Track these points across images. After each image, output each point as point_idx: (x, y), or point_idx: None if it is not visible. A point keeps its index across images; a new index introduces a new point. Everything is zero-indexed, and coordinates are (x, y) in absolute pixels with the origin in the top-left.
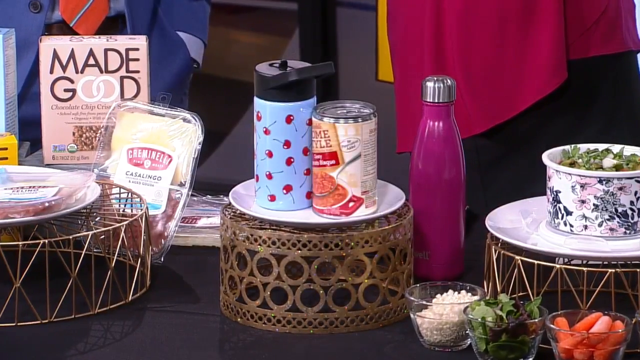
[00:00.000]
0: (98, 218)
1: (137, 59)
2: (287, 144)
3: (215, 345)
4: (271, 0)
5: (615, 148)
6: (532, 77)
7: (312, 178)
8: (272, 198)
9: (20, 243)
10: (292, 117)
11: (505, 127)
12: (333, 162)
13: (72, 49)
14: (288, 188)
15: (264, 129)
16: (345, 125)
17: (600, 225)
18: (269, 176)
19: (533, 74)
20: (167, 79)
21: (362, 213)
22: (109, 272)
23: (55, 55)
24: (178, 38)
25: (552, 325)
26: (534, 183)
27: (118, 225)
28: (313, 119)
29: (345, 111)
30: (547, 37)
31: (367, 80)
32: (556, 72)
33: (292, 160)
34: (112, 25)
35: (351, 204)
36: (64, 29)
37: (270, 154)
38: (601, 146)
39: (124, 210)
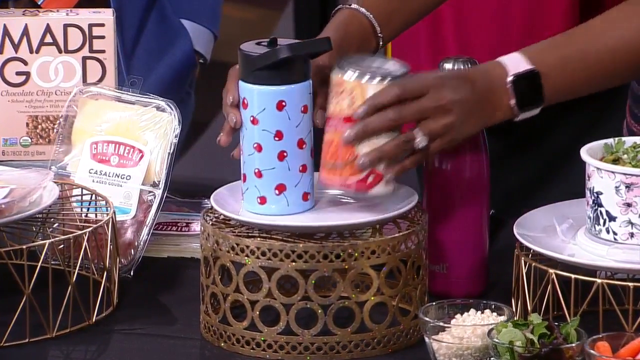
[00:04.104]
0: (56, 224)
1: (103, 37)
2: (278, 135)
3: None
4: None
5: None
6: None
7: (309, 177)
8: (263, 200)
9: None
10: (283, 103)
11: (513, 122)
12: None
13: (26, 25)
14: (281, 188)
15: (251, 118)
16: (376, 86)
17: None
18: (259, 174)
19: None
20: (162, 74)
21: (381, 191)
22: (69, 288)
23: (6, 32)
24: (181, 26)
25: (592, 351)
26: (548, 185)
27: (80, 232)
28: (336, 75)
29: (376, 69)
30: (557, 23)
31: None
32: None
33: (285, 154)
34: (96, 6)
35: (370, 178)
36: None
37: (259, 148)
38: None
39: (86, 215)
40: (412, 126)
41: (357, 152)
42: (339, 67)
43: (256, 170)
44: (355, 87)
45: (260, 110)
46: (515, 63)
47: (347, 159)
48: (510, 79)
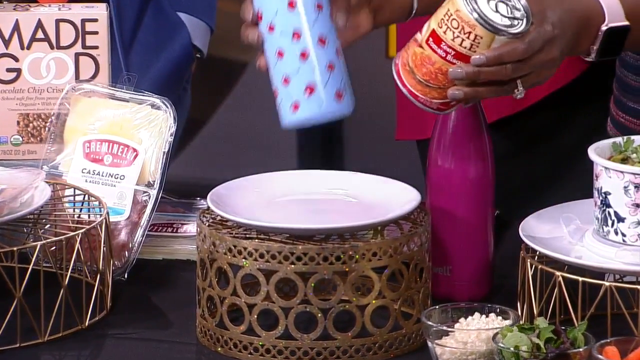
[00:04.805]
0: (48, 226)
1: (96, 32)
2: (296, 35)
3: None
4: None
5: None
6: None
7: (339, 75)
8: (296, 107)
9: None
10: (294, 2)
11: (516, 120)
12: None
13: (17, 20)
14: (310, 89)
15: (268, 27)
16: (503, 40)
17: None
18: (286, 81)
19: None
20: (161, 69)
21: (453, 110)
22: (62, 291)
23: None
24: (178, 20)
25: (600, 356)
26: (554, 185)
27: (72, 234)
28: (465, 11)
29: (503, 14)
30: None
31: (376, 57)
32: (576, 60)
33: (306, 53)
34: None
35: (453, 103)
36: None
37: (280, 54)
38: None
39: (79, 216)
40: None
41: (456, 83)
42: (470, 4)
43: (283, 78)
44: (485, 35)
45: (274, 15)
46: (613, 13)
47: (442, 84)
48: (604, 28)
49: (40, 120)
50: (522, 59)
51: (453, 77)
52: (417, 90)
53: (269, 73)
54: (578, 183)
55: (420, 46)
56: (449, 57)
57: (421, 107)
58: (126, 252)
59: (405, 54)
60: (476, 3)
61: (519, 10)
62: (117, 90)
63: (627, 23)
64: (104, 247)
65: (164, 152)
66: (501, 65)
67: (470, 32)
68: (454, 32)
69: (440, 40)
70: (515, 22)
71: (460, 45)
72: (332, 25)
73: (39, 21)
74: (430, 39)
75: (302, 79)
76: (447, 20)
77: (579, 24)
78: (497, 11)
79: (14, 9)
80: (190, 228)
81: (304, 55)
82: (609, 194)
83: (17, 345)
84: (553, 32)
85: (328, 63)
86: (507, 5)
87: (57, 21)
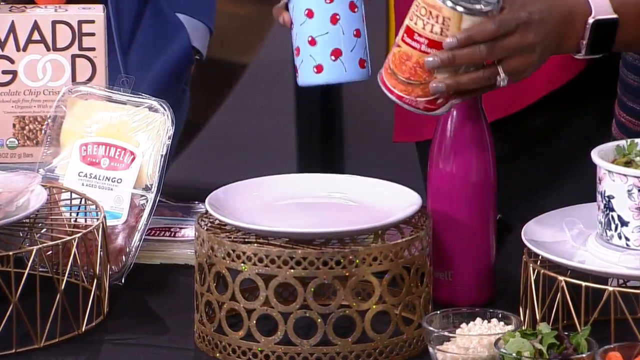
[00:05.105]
0: (44, 230)
1: (93, 34)
2: None
3: None
4: None
5: None
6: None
7: (363, 43)
8: (319, 69)
9: None
10: None
11: (515, 121)
12: None
13: (13, 22)
14: (337, 53)
15: None
16: (473, 19)
17: None
18: (312, 42)
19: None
20: (160, 71)
21: (443, 111)
22: (58, 297)
23: None
24: (177, 21)
25: None
26: (557, 189)
27: (69, 238)
28: None
29: (478, 3)
30: None
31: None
32: (572, 60)
33: (337, 17)
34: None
35: (440, 100)
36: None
37: (310, 14)
38: None
39: (76, 220)
40: None
41: (435, 76)
42: None
43: (310, 39)
44: (452, 16)
45: None
46: (600, 7)
47: (422, 79)
48: (591, 21)
49: (36, 123)
50: (494, 40)
51: (429, 67)
52: (401, 91)
53: (292, 30)
54: (578, 185)
55: (398, 45)
56: (423, 47)
57: (409, 108)
58: (123, 257)
59: (387, 60)
60: None
61: None
62: (114, 93)
63: (615, 16)
64: (101, 251)
65: (161, 155)
66: (474, 46)
67: (438, 16)
68: (423, 20)
69: (413, 32)
70: (484, 3)
71: (431, 31)
72: None
73: (35, 23)
74: (405, 35)
75: (329, 42)
76: (417, 10)
77: (562, 17)
78: None
79: (10, 10)
80: (189, 232)
81: (334, 19)
82: (613, 197)
83: (13, 350)
84: (530, 16)
85: (355, 29)
86: None
87: (54, 23)
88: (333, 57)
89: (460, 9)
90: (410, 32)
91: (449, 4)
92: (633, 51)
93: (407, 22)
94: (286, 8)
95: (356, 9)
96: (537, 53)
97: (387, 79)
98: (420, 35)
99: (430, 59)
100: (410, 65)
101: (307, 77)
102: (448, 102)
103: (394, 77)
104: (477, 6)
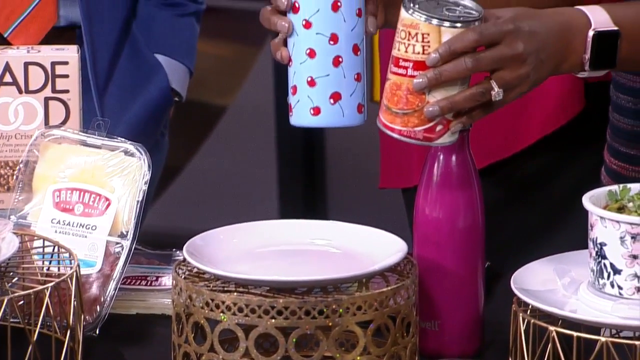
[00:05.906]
0: (16, 279)
1: (67, 76)
2: (334, 38)
3: None
4: (238, 0)
5: None
6: (540, 106)
7: (363, 86)
8: (316, 111)
9: None
10: (339, 4)
11: (508, 167)
12: None
13: None
14: (336, 96)
15: (304, 22)
16: (454, 31)
17: None
18: (312, 82)
19: (542, 102)
20: (138, 113)
21: (446, 141)
22: (30, 348)
23: None
24: (156, 62)
25: None
26: (547, 236)
27: (41, 287)
28: (406, 15)
29: (450, 11)
30: None
31: None
32: (571, 101)
33: (340, 59)
34: (64, 37)
35: (439, 128)
36: None
37: (312, 54)
38: None
39: (48, 269)
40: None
41: (427, 100)
42: (408, 6)
43: (309, 79)
44: (431, 31)
45: (314, 12)
46: (598, 17)
47: (416, 106)
48: (592, 33)
49: (7, 168)
50: (479, 51)
51: (418, 88)
52: (397, 125)
53: (291, 68)
54: (572, 233)
55: (388, 79)
56: (409, 72)
57: (409, 141)
58: (98, 307)
59: (381, 99)
60: (415, 3)
61: (471, 9)
62: (88, 137)
63: (616, 28)
64: (74, 301)
65: (138, 201)
66: (458, 59)
67: (417, 34)
68: (404, 44)
69: (398, 59)
70: (461, 12)
71: (414, 52)
72: (364, 33)
73: (7, 64)
74: (392, 65)
75: (329, 84)
76: (397, 36)
77: (559, 32)
78: (441, 9)
79: None
80: (166, 281)
81: (336, 61)
82: (605, 244)
83: None
84: (517, 27)
85: (357, 73)
86: (458, 6)
87: (26, 64)
88: (332, 101)
89: (435, 21)
90: (395, 60)
91: (423, 17)
92: (637, 69)
93: (392, 53)
94: (285, 44)
95: (359, 52)
96: (529, 64)
97: (383, 116)
98: (405, 60)
99: (418, 80)
100: (402, 94)
101: (302, 118)
102: (448, 129)
103: (389, 112)
104: (453, 18)
